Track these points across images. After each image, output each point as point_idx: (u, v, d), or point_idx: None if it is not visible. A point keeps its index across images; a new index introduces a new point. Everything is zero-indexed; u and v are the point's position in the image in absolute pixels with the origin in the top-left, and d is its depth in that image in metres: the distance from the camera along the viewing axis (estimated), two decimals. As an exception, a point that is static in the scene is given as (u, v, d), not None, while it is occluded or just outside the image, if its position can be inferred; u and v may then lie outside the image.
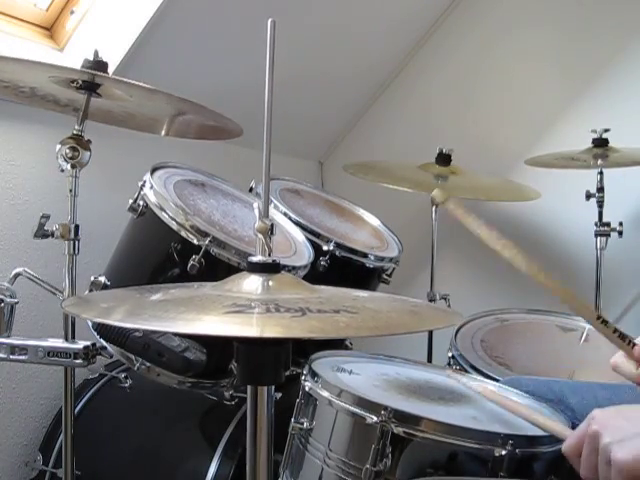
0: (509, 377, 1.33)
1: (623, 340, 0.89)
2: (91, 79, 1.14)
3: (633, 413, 0.80)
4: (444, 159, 2.09)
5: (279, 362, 0.75)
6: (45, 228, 1.19)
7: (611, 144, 2.00)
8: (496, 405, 1.09)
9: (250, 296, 0.75)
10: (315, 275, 1.44)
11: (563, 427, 0.95)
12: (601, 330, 0.88)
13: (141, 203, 1.31)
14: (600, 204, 2.02)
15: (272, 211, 1.54)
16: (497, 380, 1.32)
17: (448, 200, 0.93)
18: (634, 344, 0.88)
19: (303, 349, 1.33)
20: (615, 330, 0.88)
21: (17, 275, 1.22)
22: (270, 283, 0.78)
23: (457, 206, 0.95)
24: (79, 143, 1.20)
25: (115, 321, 0.75)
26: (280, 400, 1.18)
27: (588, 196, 2.02)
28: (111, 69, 1.23)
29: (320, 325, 0.67)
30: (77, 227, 1.22)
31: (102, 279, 1.33)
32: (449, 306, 2.10)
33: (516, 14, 2.50)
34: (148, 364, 1.29)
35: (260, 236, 0.81)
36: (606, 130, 2.00)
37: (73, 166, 1.19)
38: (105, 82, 1.15)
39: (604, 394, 1.16)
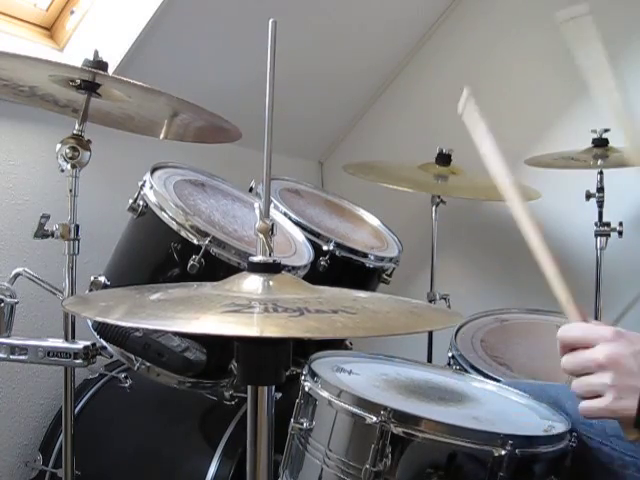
0: (507, 381, 1.33)
1: None
2: (91, 78, 1.14)
3: None
4: (444, 159, 2.09)
5: (279, 362, 0.75)
6: (45, 228, 1.19)
7: (611, 144, 2.00)
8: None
9: (250, 296, 0.75)
10: (315, 275, 1.44)
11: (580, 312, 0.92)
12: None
13: (141, 203, 1.31)
14: (600, 204, 2.02)
15: (272, 211, 1.53)
16: (498, 380, 1.32)
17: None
18: None
19: (303, 349, 1.33)
20: None
21: (17, 275, 1.23)
22: (270, 283, 0.78)
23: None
24: (79, 143, 1.20)
25: (113, 320, 0.75)
26: (280, 400, 1.18)
27: (588, 196, 2.02)
28: (111, 69, 1.23)
29: (317, 325, 0.67)
30: (77, 227, 1.22)
31: (102, 279, 1.33)
32: (449, 306, 2.10)
33: (516, 14, 2.50)
34: (148, 364, 1.29)
35: (261, 236, 0.81)
36: (606, 130, 2.00)
37: (73, 166, 1.19)
38: (105, 82, 1.15)
39: None
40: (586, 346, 0.84)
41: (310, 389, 1.08)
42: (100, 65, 1.14)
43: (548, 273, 0.90)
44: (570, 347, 0.86)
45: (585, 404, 0.84)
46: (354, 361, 1.26)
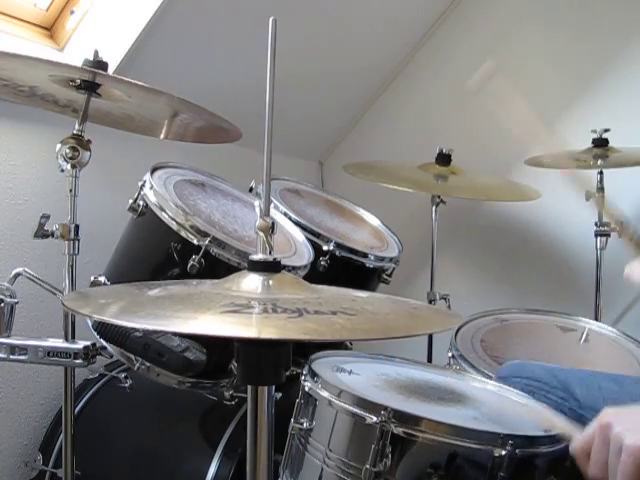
0: (514, 361, 1.32)
1: None
2: (91, 78, 1.14)
3: None
4: (444, 159, 2.09)
5: (279, 362, 0.75)
6: (45, 228, 1.20)
7: (611, 144, 2.00)
8: None
9: (249, 295, 0.75)
10: (315, 275, 1.44)
11: (573, 428, 0.95)
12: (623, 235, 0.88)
13: (141, 203, 1.31)
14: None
15: (272, 211, 1.54)
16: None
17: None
18: None
19: (303, 349, 1.33)
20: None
21: (17, 275, 1.23)
22: (270, 282, 0.78)
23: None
24: (79, 143, 1.20)
25: (110, 317, 0.74)
26: (280, 400, 1.18)
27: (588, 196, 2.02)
28: (111, 69, 1.23)
29: (315, 327, 0.67)
30: (77, 227, 1.22)
31: (102, 279, 1.33)
32: (449, 306, 2.10)
33: (516, 14, 2.50)
34: (148, 364, 1.29)
35: (261, 234, 0.81)
36: (606, 130, 2.00)
37: (73, 166, 1.20)
38: (105, 82, 1.15)
39: (608, 385, 1.16)
40: (594, 437, 0.84)
41: (310, 389, 1.08)
42: (100, 65, 1.14)
43: None
44: (588, 453, 0.85)
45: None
46: (354, 361, 1.26)
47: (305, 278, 0.90)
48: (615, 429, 0.80)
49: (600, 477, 0.82)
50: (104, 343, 1.29)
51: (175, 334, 1.24)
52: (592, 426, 0.84)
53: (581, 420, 1.02)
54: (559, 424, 0.97)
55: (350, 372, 1.18)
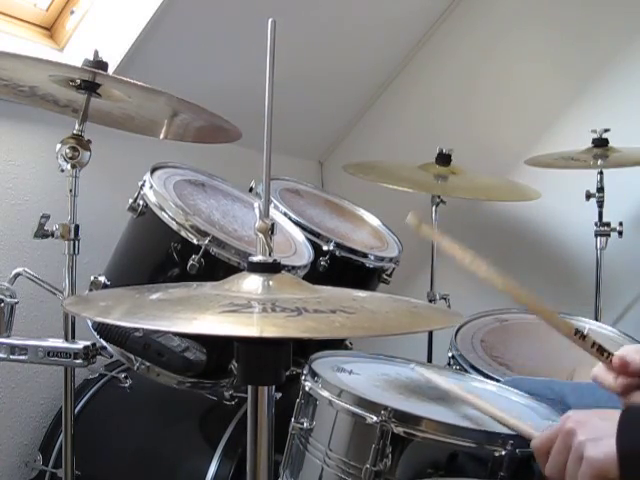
0: (510, 377, 1.33)
1: (602, 354, 0.90)
2: (91, 78, 1.14)
3: (608, 415, 0.81)
4: (444, 159, 2.09)
5: (279, 362, 0.75)
6: (45, 228, 1.19)
7: (611, 144, 2.00)
8: (463, 403, 1.09)
9: (249, 296, 0.75)
10: (315, 275, 1.44)
11: (530, 427, 0.95)
12: (580, 345, 0.91)
13: (141, 203, 1.31)
14: (600, 204, 2.02)
15: (272, 211, 1.54)
16: (498, 380, 1.32)
17: (421, 225, 0.95)
18: (612, 356, 0.90)
19: (303, 349, 1.33)
20: (593, 344, 0.90)
21: (17, 275, 1.23)
22: (270, 283, 0.78)
23: (430, 229, 0.98)
24: (79, 143, 1.20)
25: (113, 320, 0.75)
26: (280, 400, 1.18)
27: (588, 196, 2.02)
28: (111, 69, 1.23)
29: (315, 325, 0.67)
30: (77, 227, 1.22)
31: (102, 279, 1.33)
32: (449, 306, 2.10)
33: (516, 14, 2.50)
34: (148, 364, 1.29)
35: (261, 236, 0.81)
36: (606, 130, 2.00)
37: (73, 166, 1.19)
38: (105, 82, 1.15)
39: (603, 393, 1.16)
40: (556, 437, 0.83)
41: (310, 389, 1.08)
42: (100, 65, 1.14)
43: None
44: (547, 451, 0.85)
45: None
46: (354, 361, 1.26)
47: (305, 278, 0.90)
48: (578, 437, 0.79)
49: (557, 476, 0.82)
50: (104, 343, 1.29)
51: (175, 334, 1.24)
52: (555, 428, 0.84)
53: None
54: (517, 425, 0.97)
55: (350, 372, 1.18)
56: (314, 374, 1.08)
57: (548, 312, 0.90)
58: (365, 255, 1.64)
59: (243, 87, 1.88)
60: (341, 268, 1.59)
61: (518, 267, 2.49)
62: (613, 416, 0.79)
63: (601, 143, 2.00)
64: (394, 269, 1.75)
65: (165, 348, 1.25)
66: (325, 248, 1.56)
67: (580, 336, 0.90)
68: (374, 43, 2.48)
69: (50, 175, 1.59)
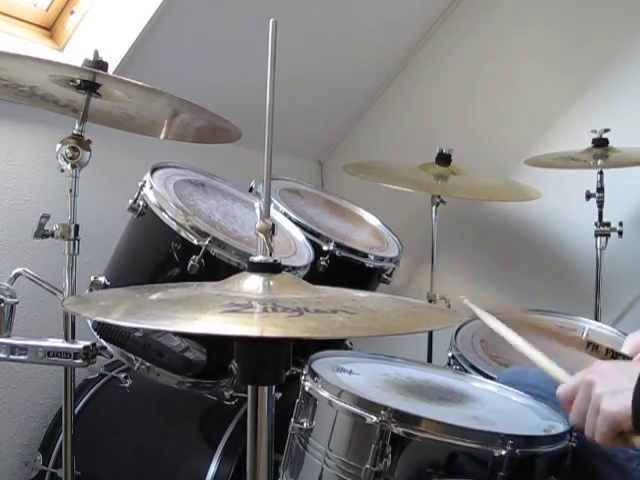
0: (516, 367, 1.32)
1: (615, 358, 0.94)
2: (91, 78, 1.14)
3: (630, 369, 0.83)
4: (444, 159, 2.09)
5: (279, 362, 0.75)
6: (45, 228, 1.19)
7: (611, 144, 2.00)
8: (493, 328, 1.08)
9: (249, 296, 0.75)
10: (315, 275, 1.44)
11: (563, 372, 0.95)
12: (596, 356, 0.94)
13: (141, 203, 1.31)
14: (600, 204, 2.02)
15: (272, 211, 1.54)
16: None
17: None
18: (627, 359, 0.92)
19: (303, 349, 1.33)
20: (607, 351, 0.93)
21: (17, 275, 1.23)
22: (270, 283, 0.78)
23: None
24: (79, 143, 1.20)
25: (113, 320, 0.75)
26: (280, 400, 1.18)
27: (588, 196, 2.02)
28: (111, 69, 1.23)
29: (316, 325, 0.67)
30: (77, 227, 1.22)
31: (102, 279, 1.33)
32: (449, 306, 2.10)
33: (516, 14, 2.50)
34: (148, 364, 1.29)
35: (261, 236, 0.81)
36: (606, 130, 2.00)
37: (73, 166, 1.19)
38: (105, 82, 1.15)
39: None
40: (578, 387, 0.86)
41: (310, 389, 1.08)
42: (100, 65, 1.14)
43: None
44: (571, 400, 0.87)
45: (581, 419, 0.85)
46: (354, 361, 1.26)
47: (305, 278, 0.90)
48: (596, 389, 0.82)
49: (580, 424, 0.86)
50: (104, 343, 1.29)
51: (175, 334, 1.24)
52: (578, 376, 0.87)
53: (572, 434, 1.03)
54: (549, 366, 0.98)
55: (350, 372, 1.18)
56: (314, 374, 1.08)
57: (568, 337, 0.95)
58: (365, 255, 1.64)
59: (243, 87, 1.88)
60: (341, 268, 1.59)
61: (518, 267, 2.49)
62: (635, 370, 0.81)
63: (601, 143, 2.00)
64: (394, 269, 1.75)
65: (165, 348, 1.25)
66: (325, 248, 1.56)
67: (592, 348, 0.93)
68: (374, 43, 2.48)
69: (50, 175, 1.59)
